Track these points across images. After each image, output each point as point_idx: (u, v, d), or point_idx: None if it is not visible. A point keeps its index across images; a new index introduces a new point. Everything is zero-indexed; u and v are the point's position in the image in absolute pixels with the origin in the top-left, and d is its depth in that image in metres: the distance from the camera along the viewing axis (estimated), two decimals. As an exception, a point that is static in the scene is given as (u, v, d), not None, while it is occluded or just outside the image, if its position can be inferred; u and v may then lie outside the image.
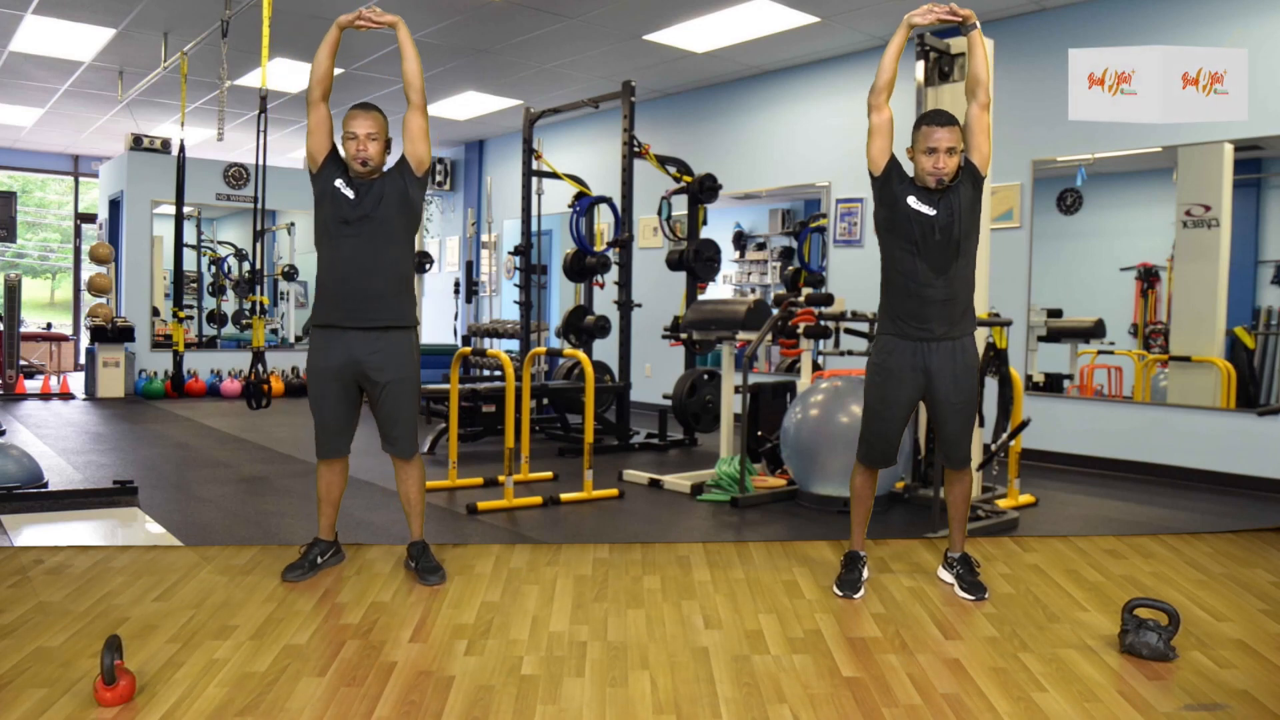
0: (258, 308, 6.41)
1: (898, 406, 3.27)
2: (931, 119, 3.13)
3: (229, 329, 11.63)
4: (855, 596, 3.23)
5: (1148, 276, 6.16)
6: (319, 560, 3.42)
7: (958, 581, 3.31)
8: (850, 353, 5.10)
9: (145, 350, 10.03)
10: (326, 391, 3.33)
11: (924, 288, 3.17)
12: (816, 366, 5.19)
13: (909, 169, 3.22)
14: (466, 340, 9.30)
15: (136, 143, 10.11)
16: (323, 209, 3.28)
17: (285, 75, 8.56)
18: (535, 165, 7.00)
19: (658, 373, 8.74)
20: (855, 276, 7.37)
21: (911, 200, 3.16)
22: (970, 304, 3.28)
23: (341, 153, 3.28)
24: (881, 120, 3.20)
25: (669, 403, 6.66)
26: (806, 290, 6.29)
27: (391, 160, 3.35)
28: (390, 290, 3.29)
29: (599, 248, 7.22)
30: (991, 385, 4.66)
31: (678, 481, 5.16)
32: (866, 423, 3.35)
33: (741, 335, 5.27)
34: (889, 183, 3.20)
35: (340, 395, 3.34)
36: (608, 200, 6.86)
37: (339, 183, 3.25)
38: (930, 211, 3.14)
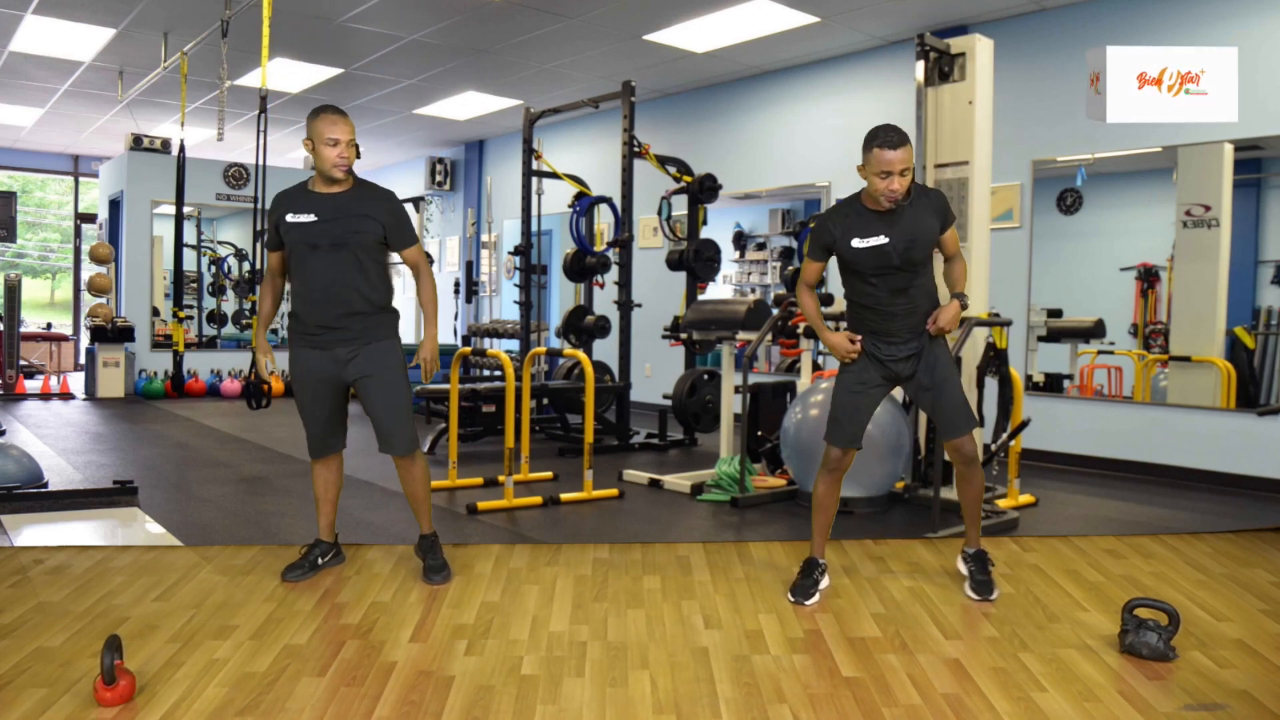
0: (258, 308, 6.41)
1: (872, 386, 3.25)
2: (883, 142, 3.00)
3: (229, 329, 11.63)
4: (808, 603, 3.18)
5: (1148, 276, 6.16)
6: (319, 561, 3.41)
7: (968, 578, 3.31)
8: (850, 353, 5.09)
9: (145, 350, 10.03)
10: (314, 395, 3.32)
11: (887, 307, 3.18)
12: (816, 366, 5.19)
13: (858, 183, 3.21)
14: (466, 340, 9.31)
15: (136, 143, 10.11)
16: (287, 240, 3.23)
17: (285, 75, 8.56)
18: (535, 165, 7.00)
19: (658, 373, 8.74)
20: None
21: (855, 242, 3.12)
22: (933, 304, 3.25)
23: (319, 163, 3.16)
24: (815, 281, 3.33)
25: (669, 403, 6.65)
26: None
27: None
28: (365, 309, 3.24)
29: (599, 248, 7.22)
30: (991, 385, 4.67)
31: (678, 481, 5.16)
32: (836, 398, 3.28)
33: (741, 335, 5.27)
34: (832, 252, 3.20)
35: (326, 397, 3.32)
36: (608, 200, 6.86)
37: (290, 216, 3.19)
38: (880, 241, 3.10)
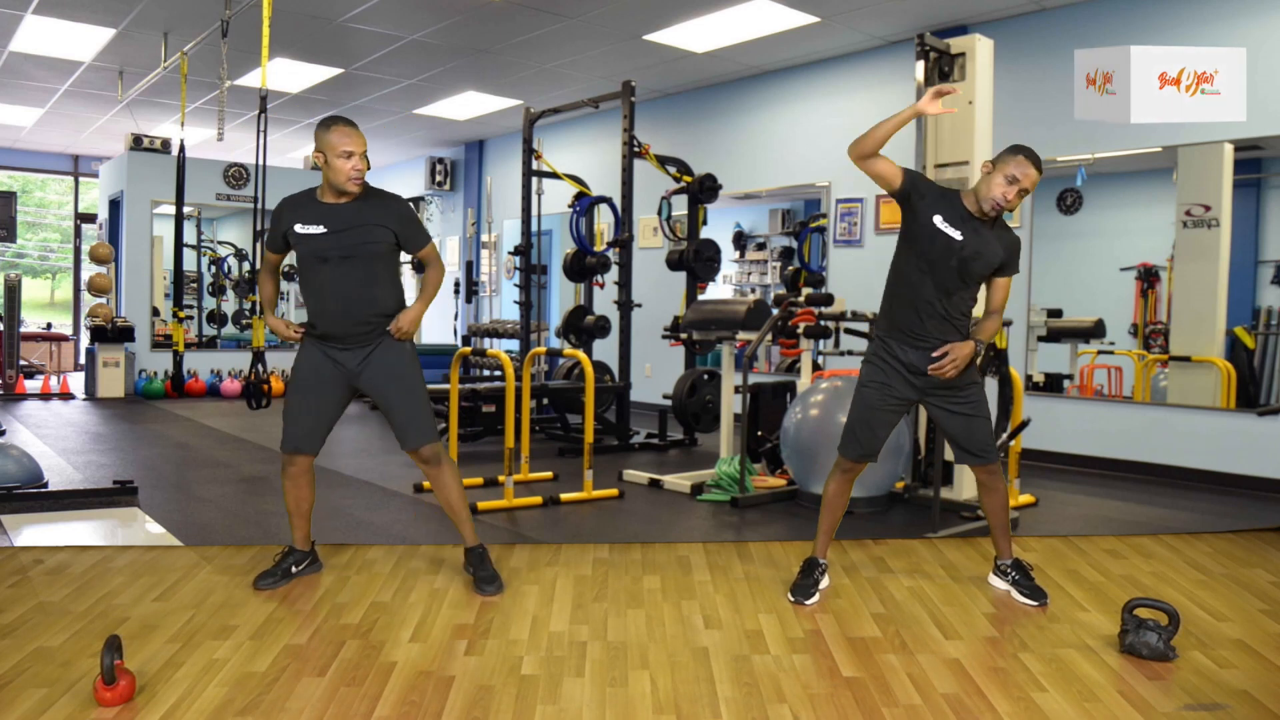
0: (258, 308, 6.41)
1: (893, 401, 3.22)
2: (1030, 154, 3.03)
3: (229, 329, 11.63)
4: (807, 603, 3.17)
5: (1148, 276, 6.17)
6: (293, 570, 3.32)
7: (1014, 588, 3.28)
8: (850, 353, 5.09)
9: (145, 350, 10.03)
10: (314, 378, 3.19)
11: (927, 303, 3.13)
12: (816, 366, 5.19)
13: (929, 179, 3.17)
14: (466, 340, 9.31)
15: (136, 143, 10.11)
16: (297, 251, 3.16)
17: (285, 75, 8.56)
18: (535, 165, 7.00)
19: (658, 373, 8.74)
20: (855, 276, 7.36)
21: (937, 219, 3.09)
22: (966, 327, 3.23)
23: (332, 168, 3.07)
24: (875, 166, 3.07)
25: (669, 403, 6.65)
26: (806, 290, 6.29)
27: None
28: (379, 321, 3.18)
29: (599, 248, 7.22)
30: (991, 385, 4.67)
31: (678, 481, 5.16)
32: (855, 412, 3.25)
33: (741, 335, 5.27)
34: (909, 198, 3.12)
35: (325, 387, 3.20)
36: (608, 200, 6.86)
37: (298, 227, 3.11)
38: (956, 236, 3.07)
